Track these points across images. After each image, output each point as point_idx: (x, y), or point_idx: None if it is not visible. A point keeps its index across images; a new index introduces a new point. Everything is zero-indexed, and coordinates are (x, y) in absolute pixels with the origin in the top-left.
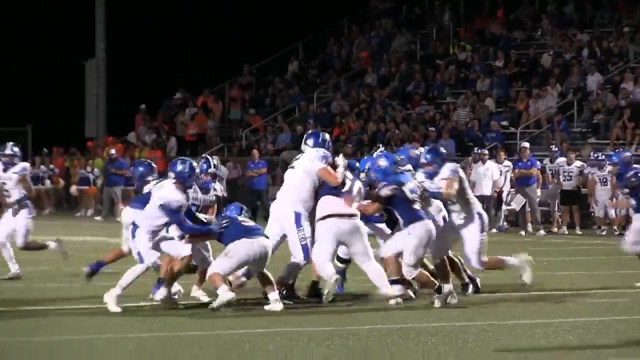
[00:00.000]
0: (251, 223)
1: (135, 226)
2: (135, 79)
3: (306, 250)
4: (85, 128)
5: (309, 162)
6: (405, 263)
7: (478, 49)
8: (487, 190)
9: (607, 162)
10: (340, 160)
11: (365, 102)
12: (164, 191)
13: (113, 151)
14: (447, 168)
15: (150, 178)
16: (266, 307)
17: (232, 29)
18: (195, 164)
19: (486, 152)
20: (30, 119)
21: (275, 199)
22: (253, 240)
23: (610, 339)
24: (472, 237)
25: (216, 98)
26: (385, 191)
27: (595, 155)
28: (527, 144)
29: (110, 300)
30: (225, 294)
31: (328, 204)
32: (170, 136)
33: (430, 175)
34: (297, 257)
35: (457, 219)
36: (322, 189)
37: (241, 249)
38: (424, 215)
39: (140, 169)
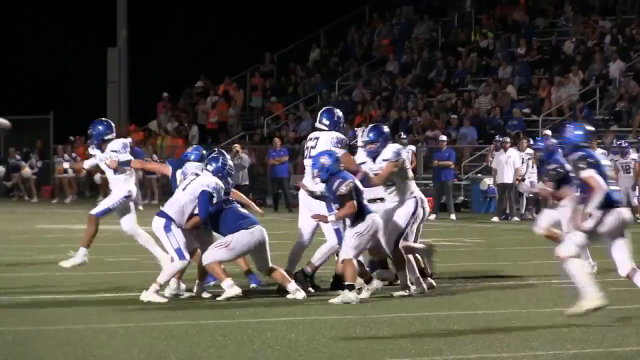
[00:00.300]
0: (244, 210)
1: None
2: (156, 67)
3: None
4: (107, 116)
5: (326, 148)
6: (346, 244)
7: (500, 36)
8: (508, 178)
9: (533, 146)
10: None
11: (387, 90)
12: (210, 179)
13: (129, 140)
14: (390, 149)
15: (108, 137)
16: (288, 297)
17: (254, 17)
18: (230, 161)
19: (508, 139)
20: (52, 108)
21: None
22: (252, 230)
23: (633, 326)
24: (397, 221)
25: (237, 86)
26: (344, 188)
27: (618, 142)
28: (549, 132)
29: (150, 295)
30: (231, 289)
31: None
32: (192, 124)
33: (373, 155)
34: (331, 240)
35: (390, 201)
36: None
37: (241, 241)
38: (372, 209)
39: (100, 127)
